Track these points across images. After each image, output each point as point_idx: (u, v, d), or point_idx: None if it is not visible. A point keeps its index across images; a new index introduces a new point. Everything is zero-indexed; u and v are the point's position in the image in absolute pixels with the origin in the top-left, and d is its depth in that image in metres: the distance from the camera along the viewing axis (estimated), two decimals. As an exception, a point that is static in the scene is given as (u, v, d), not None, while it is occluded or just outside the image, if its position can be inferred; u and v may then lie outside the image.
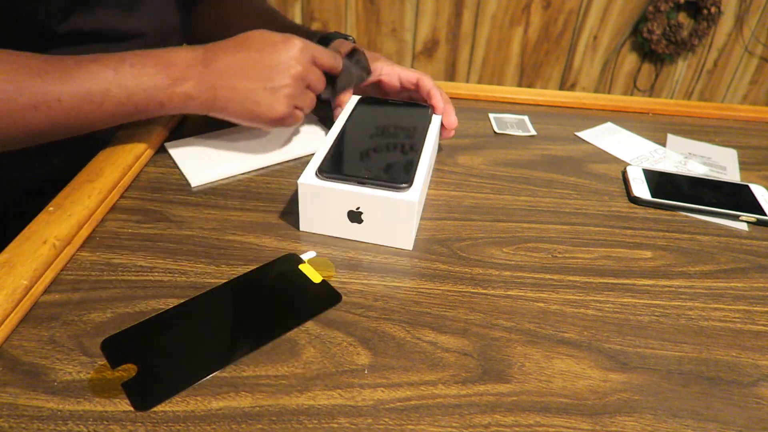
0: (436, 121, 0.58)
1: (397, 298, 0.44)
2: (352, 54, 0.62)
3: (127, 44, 0.62)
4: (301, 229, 0.50)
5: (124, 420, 0.34)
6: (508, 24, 1.82)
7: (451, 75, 1.94)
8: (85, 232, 0.47)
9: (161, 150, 0.60)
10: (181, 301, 0.42)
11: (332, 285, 0.44)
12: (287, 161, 0.60)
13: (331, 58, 0.57)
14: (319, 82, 0.57)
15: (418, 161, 0.50)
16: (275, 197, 0.54)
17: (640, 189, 0.58)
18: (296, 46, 0.54)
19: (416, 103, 0.61)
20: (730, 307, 0.45)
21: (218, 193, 0.54)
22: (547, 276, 0.47)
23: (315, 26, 1.85)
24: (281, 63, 0.53)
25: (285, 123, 0.55)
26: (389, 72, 0.63)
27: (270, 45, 0.54)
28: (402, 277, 0.46)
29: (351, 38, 0.66)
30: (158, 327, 0.40)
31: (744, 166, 0.66)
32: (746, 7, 1.77)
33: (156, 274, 0.44)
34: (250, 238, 0.49)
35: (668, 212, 0.56)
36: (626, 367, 0.40)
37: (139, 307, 0.41)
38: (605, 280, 0.47)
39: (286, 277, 0.45)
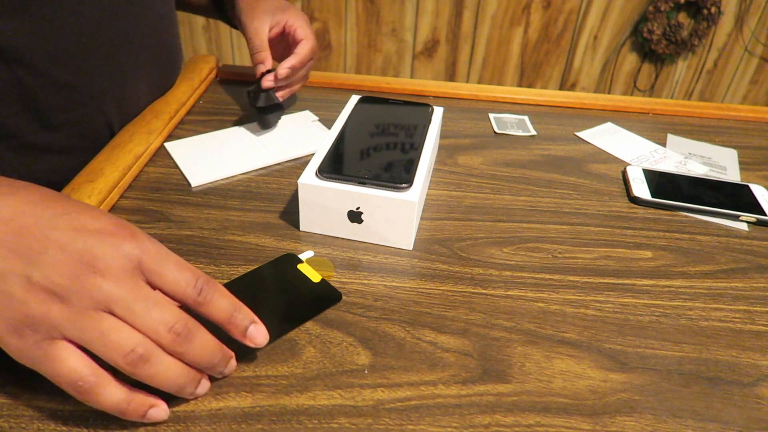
0: (436, 120, 0.58)
1: (397, 298, 0.44)
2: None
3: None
4: (301, 229, 0.50)
5: (125, 420, 0.34)
6: (508, 24, 1.82)
7: (451, 75, 1.94)
8: (85, 232, 0.47)
9: (161, 150, 0.60)
10: (181, 301, 0.42)
11: (332, 285, 0.44)
12: (287, 161, 0.60)
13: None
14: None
15: (418, 161, 0.50)
16: (275, 197, 0.54)
17: (640, 189, 0.58)
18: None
19: (416, 102, 0.61)
20: (730, 307, 0.45)
21: (218, 193, 0.54)
22: (547, 276, 0.47)
23: (315, 26, 1.85)
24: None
25: None
26: (291, 23, 0.65)
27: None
28: (402, 277, 0.46)
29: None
30: (158, 327, 0.40)
31: (744, 166, 0.66)
32: (746, 7, 1.77)
33: (156, 274, 0.44)
34: (250, 238, 0.49)
35: (668, 212, 0.56)
36: (626, 367, 0.39)
37: (139, 307, 0.41)
38: (605, 280, 0.47)
39: (285, 277, 0.45)
